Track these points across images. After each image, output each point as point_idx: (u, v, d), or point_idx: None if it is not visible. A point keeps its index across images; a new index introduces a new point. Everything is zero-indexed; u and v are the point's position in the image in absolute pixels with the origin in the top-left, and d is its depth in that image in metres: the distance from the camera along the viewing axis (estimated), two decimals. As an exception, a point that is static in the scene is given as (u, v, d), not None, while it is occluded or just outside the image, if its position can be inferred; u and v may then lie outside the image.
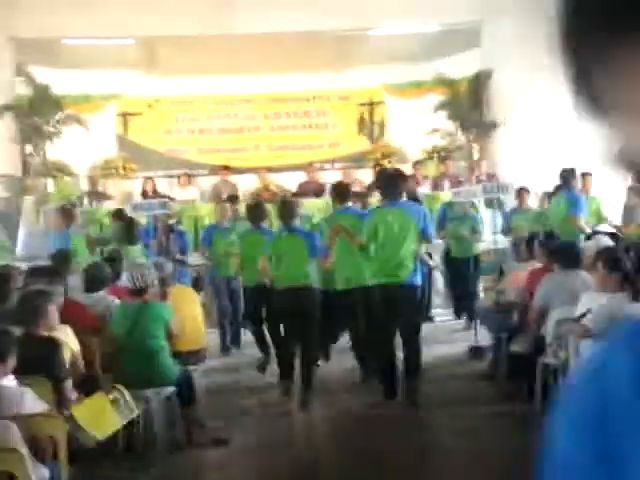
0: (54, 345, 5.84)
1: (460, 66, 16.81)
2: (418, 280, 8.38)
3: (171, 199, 11.03)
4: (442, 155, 16.94)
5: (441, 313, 13.31)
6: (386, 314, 8.23)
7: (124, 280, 7.40)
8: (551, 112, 15.40)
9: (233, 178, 16.55)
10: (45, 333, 6.01)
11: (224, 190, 15.89)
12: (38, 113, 16.12)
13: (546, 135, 15.42)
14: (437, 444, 7.27)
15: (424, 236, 8.40)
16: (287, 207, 8.95)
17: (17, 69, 16.21)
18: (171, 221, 11.29)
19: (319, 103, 17.96)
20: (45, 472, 4.56)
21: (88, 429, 5.67)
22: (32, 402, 4.82)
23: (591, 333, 6.65)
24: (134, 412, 6.46)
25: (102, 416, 6.05)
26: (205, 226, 12.51)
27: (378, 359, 8.64)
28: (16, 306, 6.23)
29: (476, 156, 16.92)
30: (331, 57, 16.69)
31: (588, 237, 9.62)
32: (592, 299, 6.85)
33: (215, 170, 16.96)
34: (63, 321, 6.52)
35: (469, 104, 16.98)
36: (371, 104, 17.99)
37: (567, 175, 11.53)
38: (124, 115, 17.39)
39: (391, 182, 8.43)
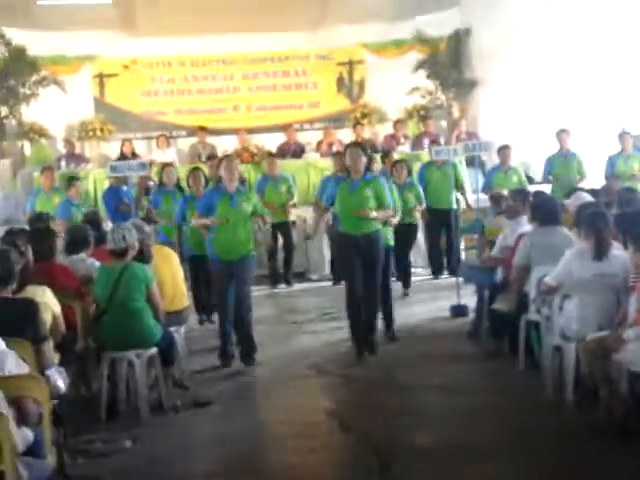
0: (32, 306, 5.76)
1: (439, 24, 16.69)
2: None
3: (151, 161, 10.92)
4: (422, 114, 16.85)
5: (422, 272, 13.36)
6: None
7: (108, 242, 7.34)
8: (530, 70, 15.40)
9: (212, 139, 16.42)
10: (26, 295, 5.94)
11: (202, 151, 15.79)
12: (14, 75, 15.94)
13: (526, 93, 15.40)
14: (421, 402, 7.27)
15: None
16: None
17: (-8, 31, 15.97)
18: (150, 182, 11.16)
19: (298, 63, 17.82)
20: (29, 434, 4.52)
21: None
22: (14, 364, 4.77)
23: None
24: None
25: None
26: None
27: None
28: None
29: (456, 115, 16.84)
30: (310, 15, 16.51)
31: (568, 194, 9.58)
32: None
33: (193, 131, 16.82)
34: (45, 282, 6.46)
35: (449, 62, 16.89)
36: (350, 63, 17.86)
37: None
38: (100, 76, 17.18)
39: None
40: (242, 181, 9.31)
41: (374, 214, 8.67)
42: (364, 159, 8.77)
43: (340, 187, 8.82)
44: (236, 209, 8.64)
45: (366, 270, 8.73)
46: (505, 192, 10.89)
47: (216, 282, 8.88)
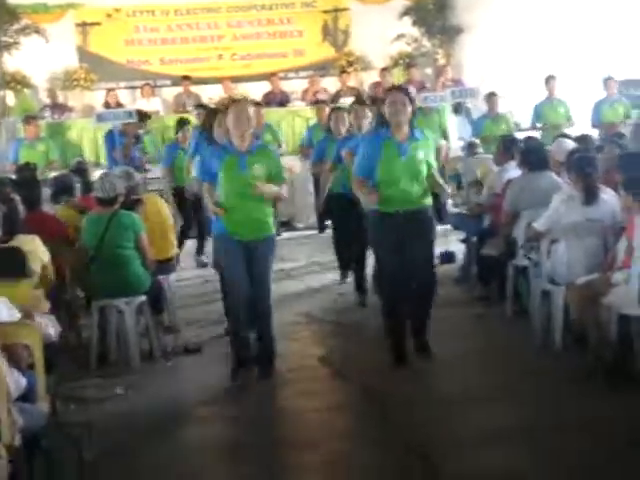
0: (19, 255, 5.76)
1: (425, -30, 16.54)
2: None
3: (138, 112, 10.88)
4: (408, 62, 16.72)
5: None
6: None
7: (95, 190, 7.31)
8: (516, 16, 15.31)
9: (197, 88, 16.29)
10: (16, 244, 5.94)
11: (187, 100, 15.71)
12: (-7, 23, 15.76)
13: (511, 39, 15.32)
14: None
15: None
16: None
17: (-30, -21, 15.77)
18: (140, 131, 11.11)
19: (283, 11, 17.60)
20: (22, 380, 4.53)
21: None
22: (5, 311, 4.77)
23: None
24: None
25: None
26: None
27: None
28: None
29: (441, 62, 16.75)
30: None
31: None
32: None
33: (178, 81, 16.66)
34: (33, 231, 6.45)
35: (434, 9, 16.77)
36: (335, 11, 17.67)
37: None
38: (83, 25, 16.92)
39: None
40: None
41: (441, 182, 6.79)
42: (410, 109, 6.60)
43: (383, 149, 6.56)
44: (245, 174, 6.45)
45: (415, 256, 6.65)
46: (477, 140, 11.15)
47: (227, 267, 6.75)
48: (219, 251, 6.87)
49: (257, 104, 13.80)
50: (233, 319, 6.81)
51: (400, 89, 6.90)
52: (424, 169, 6.60)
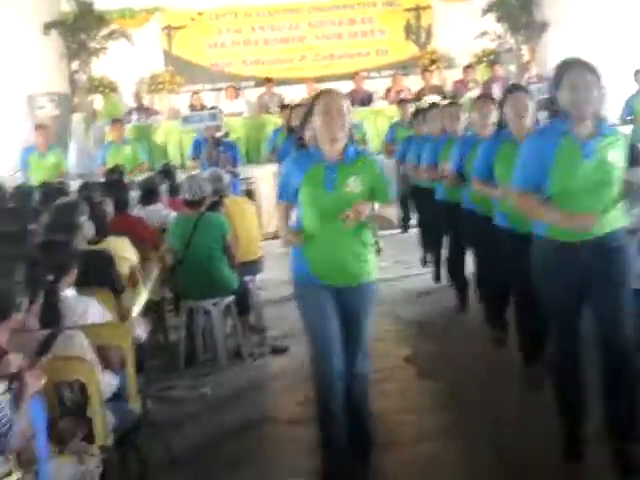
0: (106, 258, 5.84)
1: (509, -35, 16.38)
2: None
3: (220, 111, 11.00)
4: (491, 59, 16.61)
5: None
6: None
7: (183, 192, 7.39)
8: (600, 10, 15.04)
9: (280, 89, 16.41)
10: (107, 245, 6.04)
11: (270, 102, 15.82)
12: (83, 29, 16.08)
13: (597, 33, 15.05)
14: (498, 352, 7.25)
15: None
16: None
17: (60, -14, 16.15)
18: (218, 134, 11.17)
19: (365, 10, 17.61)
20: (114, 381, 4.61)
21: None
22: (98, 313, 4.85)
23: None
24: None
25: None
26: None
27: None
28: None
29: (526, 58, 16.56)
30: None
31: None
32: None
33: (261, 82, 16.80)
34: (120, 233, 6.55)
35: (518, 5, 16.60)
36: (417, 9, 17.61)
37: None
38: (168, 29, 17.23)
39: None
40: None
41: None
42: (598, 94, 4.51)
43: (559, 148, 4.51)
44: (333, 194, 4.66)
45: (603, 312, 4.62)
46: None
47: (310, 326, 4.81)
48: (300, 300, 4.88)
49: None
50: (321, 397, 4.81)
51: (584, 65, 4.55)
52: (616, 177, 4.54)
